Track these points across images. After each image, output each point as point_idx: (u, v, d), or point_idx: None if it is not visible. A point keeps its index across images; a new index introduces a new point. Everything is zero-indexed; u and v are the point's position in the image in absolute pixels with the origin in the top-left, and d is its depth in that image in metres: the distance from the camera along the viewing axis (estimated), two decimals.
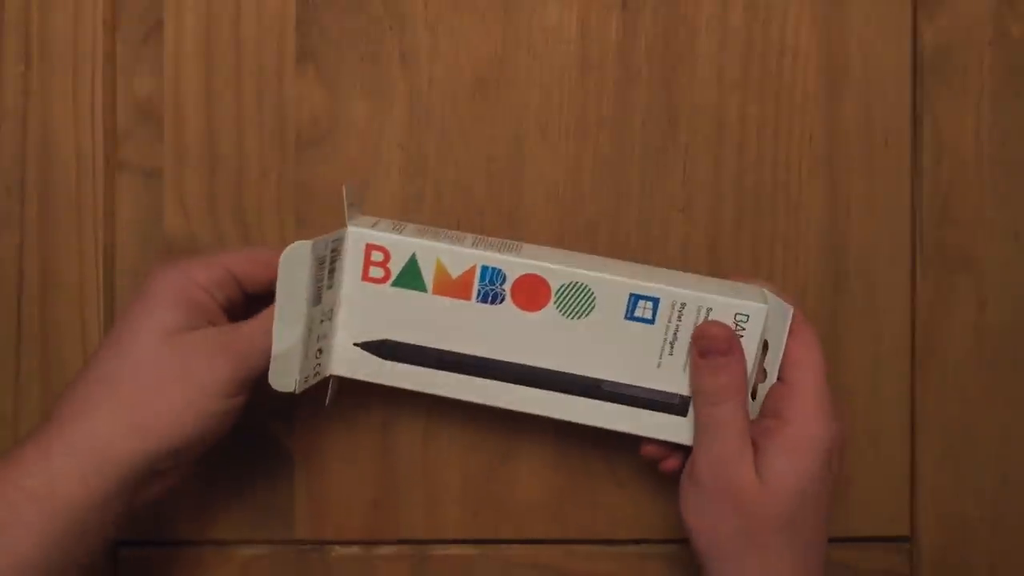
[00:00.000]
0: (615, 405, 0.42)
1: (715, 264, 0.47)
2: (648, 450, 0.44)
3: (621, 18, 0.47)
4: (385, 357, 0.42)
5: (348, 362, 0.42)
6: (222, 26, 0.47)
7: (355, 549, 0.48)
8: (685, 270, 0.44)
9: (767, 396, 0.42)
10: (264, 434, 0.47)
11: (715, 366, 0.40)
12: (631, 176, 0.47)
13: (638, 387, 0.42)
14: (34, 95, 0.46)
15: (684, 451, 0.43)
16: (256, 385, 0.41)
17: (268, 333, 0.39)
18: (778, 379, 0.42)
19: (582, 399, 0.42)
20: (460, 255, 0.41)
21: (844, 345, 0.48)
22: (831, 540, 0.48)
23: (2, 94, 0.46)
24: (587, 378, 0.42)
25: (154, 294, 0.39)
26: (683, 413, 0.42)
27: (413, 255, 0.41)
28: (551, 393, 0.42)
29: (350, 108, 0.47)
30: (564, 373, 0.42)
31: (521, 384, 0.42)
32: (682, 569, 0.48)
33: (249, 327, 0.39)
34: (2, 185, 0.46)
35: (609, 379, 0.42)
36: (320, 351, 0.42)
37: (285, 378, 0.40)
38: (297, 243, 0.39)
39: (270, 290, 0.40)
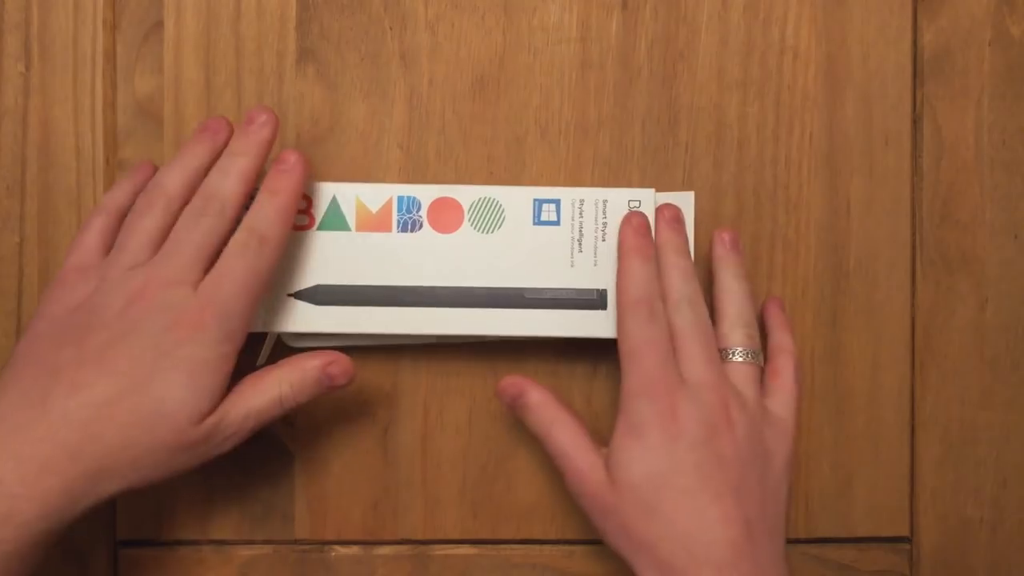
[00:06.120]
0: (540, 311, 0.44)
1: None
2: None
3: (621, 18, 0.47)
4: (319, 303, 0.44)
5: (285, 315, 0.44)
6: (222, 26, 0.47)
7: (355, 549, 0.48)
8: None
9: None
10: (264, 434, 0.47)
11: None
12: (631, 176, 0.47)
13: (557, 289, 0.44)
14: (34, 95, 0.46)
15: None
16: None
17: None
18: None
19: (508, 311, 0.44)
20: (377, 190, 0.44)
21: (844, 345, 0.48)
22: (831, 540, 0.48)
23: (2, 94, 0.46)
24: (509, 289, 0.44)
25: None
26: (603, 307, 0.44)
27: (334, 197, 0.44)
28: (479, 310, 0.44)
29: (350, 108, 0.47)
30: (488, 288, 0.44)
31: (450, 307, 0.44)
32: None
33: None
34: (2, 184, 0.46)
35: (529, 286, 0.44)
36: (264, 310, 0.44)
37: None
38: None
39: None
